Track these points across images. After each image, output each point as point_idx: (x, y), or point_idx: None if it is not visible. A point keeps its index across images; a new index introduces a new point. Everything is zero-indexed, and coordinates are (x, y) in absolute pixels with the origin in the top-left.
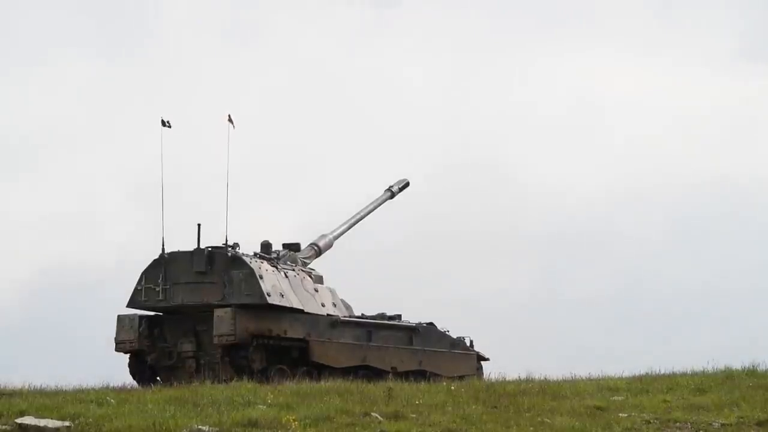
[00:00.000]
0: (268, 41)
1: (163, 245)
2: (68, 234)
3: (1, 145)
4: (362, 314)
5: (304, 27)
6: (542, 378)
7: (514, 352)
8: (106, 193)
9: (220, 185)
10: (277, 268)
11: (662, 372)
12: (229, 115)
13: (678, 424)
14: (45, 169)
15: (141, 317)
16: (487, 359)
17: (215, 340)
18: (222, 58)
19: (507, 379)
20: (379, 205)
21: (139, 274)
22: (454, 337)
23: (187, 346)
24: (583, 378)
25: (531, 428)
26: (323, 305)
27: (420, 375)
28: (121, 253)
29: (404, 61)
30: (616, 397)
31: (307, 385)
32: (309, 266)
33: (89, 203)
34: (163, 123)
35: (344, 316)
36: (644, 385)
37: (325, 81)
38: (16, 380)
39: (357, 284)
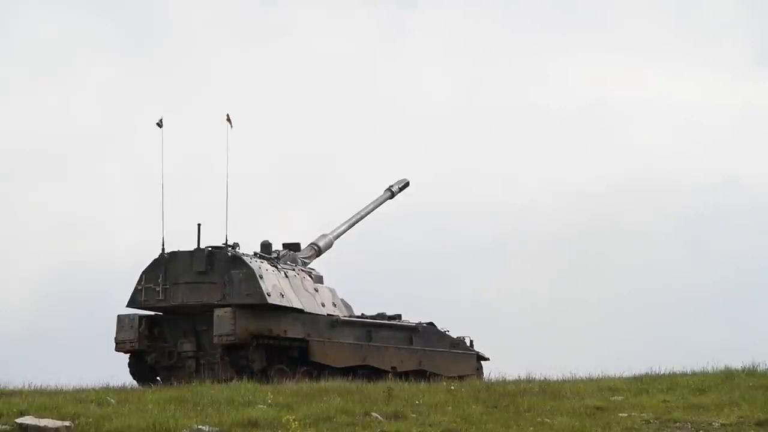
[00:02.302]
0: (280, 42)
1: (163, 245)
2: (83, 237)
3: (12, 150)
4: (362, 314)
5: (318, 28)
6: (542, 378)
7: (514, 352)
8: (121, 195)
9: (223, 185)
10: (277, 267)
11: (662, 372)
12: (228, 115)
13: (678, 424)
14: (61, 172)
15: (141, 317)
16: (487, 359)
17: (215, 340)
18: (233, 58)
19: (507, 379)
20: (379, 205)
21: (140, 274)
22: (454, 337)
23: (187, 346)
24: (583, 378)
25: (531, 428)
26: (323, 305)
27: (420, 375)
28: (135, 255)
29: (415, 62)
30: (616, 397)
31: (307, 385)
32: (309, 266)
33: (104, 206)
34: (158, 124)
35: (344, 316)
36: (644, 385)
37: (332, 81)
38: (16, 380)
39: (357, 284)
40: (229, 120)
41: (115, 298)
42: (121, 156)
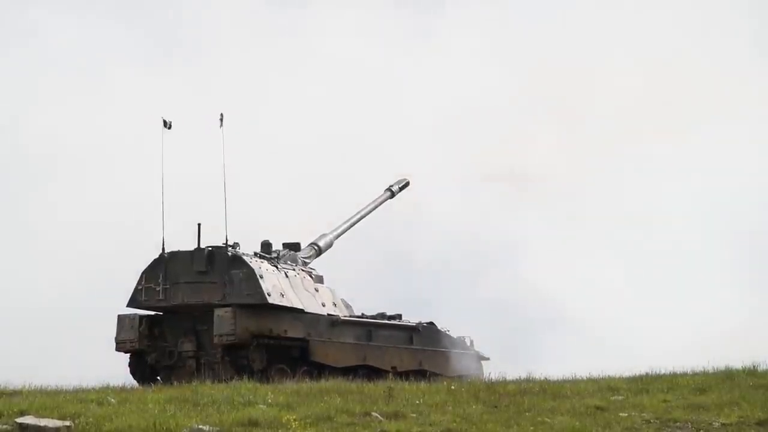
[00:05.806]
0: (295, 43)
1: (163, 245)
2: (85, 238)
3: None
4: (362, 314)
5: (333, 29)
6: (542, 378)
7: (514, 352)
8: (122, 196)
9: (227, 184)
10: (277, 267)
11: (662, 372)
12: (222, 114)
13: (678, 423)
14: (80, 176)
15: (141, 317)
16: (487, 359)
17: (215, 340)
18: (242, 58)
19: (507, 379)
20: (379, 204)
21: (140, 274)
22: (454, 337)
23: (188, 346)
24: (583, 378)
25: (531, 428)
26: (323, 305)
27: (420, 375)
28: (136, 255)
29: (427, 65)
30: (616, 397)
31: (307, 385)
32: (309, 266)
33: (104, 207)
34: (165, 123)
35: (344, 316)
36: (644, 385)
37: (337, 81)
38: (16, 380)
39: (357, 284)
40: (221, 120)
41: (115, 297)
42: (130, 157)
